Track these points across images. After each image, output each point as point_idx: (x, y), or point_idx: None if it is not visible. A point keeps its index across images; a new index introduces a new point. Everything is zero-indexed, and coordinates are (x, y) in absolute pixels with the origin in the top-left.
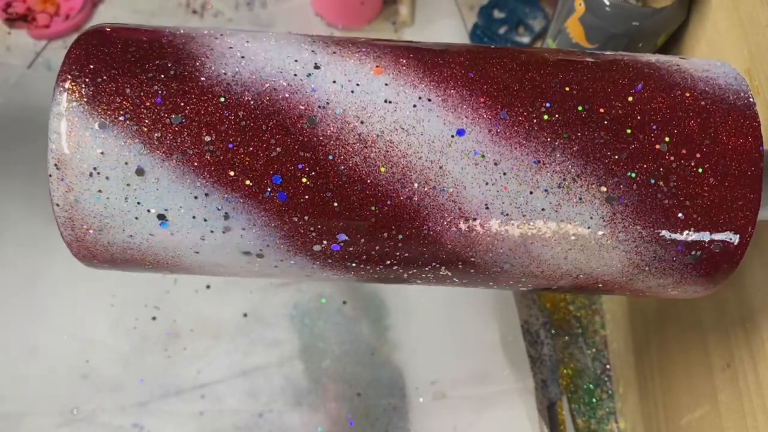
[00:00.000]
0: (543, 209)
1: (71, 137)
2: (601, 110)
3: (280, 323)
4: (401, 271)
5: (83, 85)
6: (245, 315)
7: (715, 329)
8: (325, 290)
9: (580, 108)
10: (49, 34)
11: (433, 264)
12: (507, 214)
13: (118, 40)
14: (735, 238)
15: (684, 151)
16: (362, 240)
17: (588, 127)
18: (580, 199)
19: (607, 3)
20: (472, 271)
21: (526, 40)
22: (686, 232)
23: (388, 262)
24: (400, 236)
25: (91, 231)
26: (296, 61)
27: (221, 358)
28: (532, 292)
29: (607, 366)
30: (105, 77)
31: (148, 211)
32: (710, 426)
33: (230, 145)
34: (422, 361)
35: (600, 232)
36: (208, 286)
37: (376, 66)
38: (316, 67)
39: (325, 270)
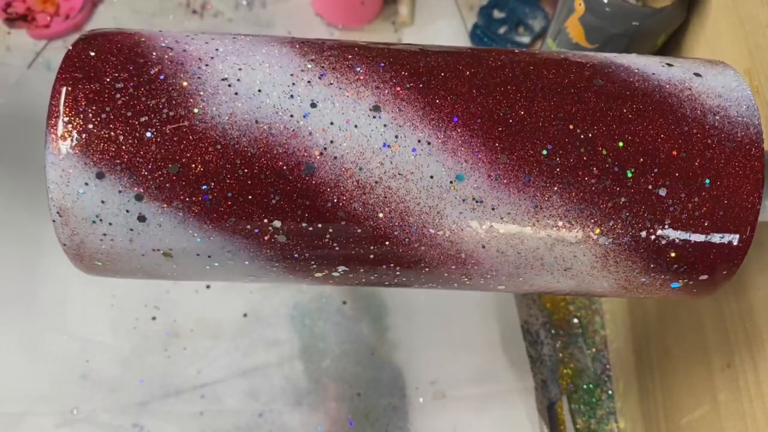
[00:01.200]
0: (537, 248)
1: (70, 187)
2: (604, 151)
3: (280, 323)
4: (399, 286)
5: (75, 132)
6: (245, 315)
7: (715, 329)
8: (325, 290)
9: (582, 150)
10: (49, 34)
11: (430, 285)
12: (502, 252)
13: (105, 72)
14: (722, 273)
15: (683, 195)
16: (361, 270)
17: (588, 171)
18: (575, 239)
19: (607, 3)
20: (467, 289)
21: (526, 40)
22: (675, 267)
23: (387, 282)
24: (398, 268)
25: (99, 263)
26: (291, 96)
27: (221, 358)
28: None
29: (607, 366)
30: (97, 122)
31: (153, 250)
32: (710, 426)
33: (229, 194)
34: (422, 361)
35: (591, 267)
36: (208, 286)
37: (375, 102)
38: (313, 105)
39: (325, 285)
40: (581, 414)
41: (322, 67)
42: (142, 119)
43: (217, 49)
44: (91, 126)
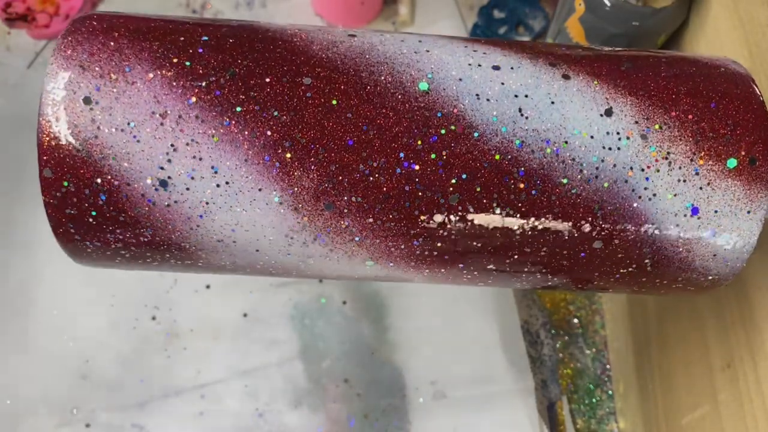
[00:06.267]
0: None
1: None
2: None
3: (280, 323)
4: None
5: (83, 252)
6: (245, 315)
7: (715, 329)
8: (325, 290)
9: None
10: (49, 34)
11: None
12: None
13: (104, 229)
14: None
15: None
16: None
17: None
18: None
19: (607, 3)
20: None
21: (526, 39)
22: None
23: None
24: None
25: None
26: (289, 255)
27: (221, 358)
28: (531, 292)
29: (607, 366)
30: (110, 250)
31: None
32: (710, 426)
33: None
34: (422, 361)
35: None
36: (208, 286)
37: (368, 257)
38: (309, 257)
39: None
40: (581, 414)
41: (317, 227)
42: (154, 264)
43: (204, 202)
44: (97, 256)
